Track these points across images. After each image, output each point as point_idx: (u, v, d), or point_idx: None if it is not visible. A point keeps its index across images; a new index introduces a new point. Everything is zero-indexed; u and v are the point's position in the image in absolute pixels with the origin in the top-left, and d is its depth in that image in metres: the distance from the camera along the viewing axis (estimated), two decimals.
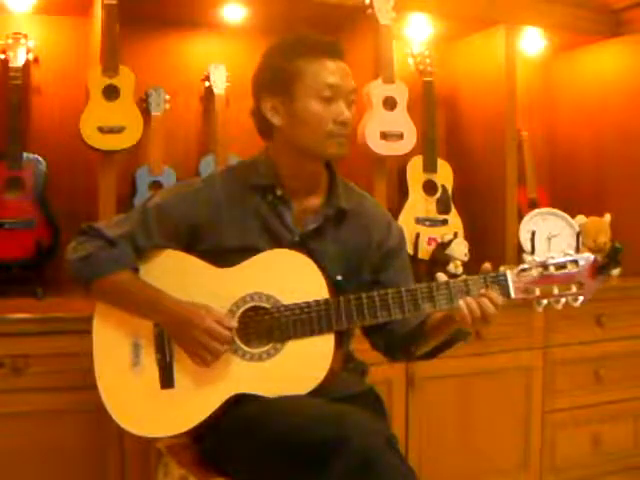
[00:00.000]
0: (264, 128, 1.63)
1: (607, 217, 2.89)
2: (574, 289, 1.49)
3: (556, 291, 1.49)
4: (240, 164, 1.71)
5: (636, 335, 2.77)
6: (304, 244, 1.60)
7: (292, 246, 1.58)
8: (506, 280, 1.50)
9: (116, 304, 1.59)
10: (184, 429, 1.53)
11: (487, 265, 1.52)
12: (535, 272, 1.49)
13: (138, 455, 2.01)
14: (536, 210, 2.90)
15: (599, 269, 1.49)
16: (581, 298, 1.50)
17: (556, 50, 3.22)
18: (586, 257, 1.50)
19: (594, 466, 2.71)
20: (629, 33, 2.98)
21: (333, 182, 1.66)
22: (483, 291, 1.48)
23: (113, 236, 1.59)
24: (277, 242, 1.59)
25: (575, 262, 1.49)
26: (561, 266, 1.49)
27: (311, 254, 1.57)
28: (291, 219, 1.61)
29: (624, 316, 2.73)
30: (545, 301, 1.50)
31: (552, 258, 1.50)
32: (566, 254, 1.50)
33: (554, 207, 2.94)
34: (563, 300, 1.50)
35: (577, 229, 2.84)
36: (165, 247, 1.60)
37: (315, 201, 1.64)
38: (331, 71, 1.55)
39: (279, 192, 1.60)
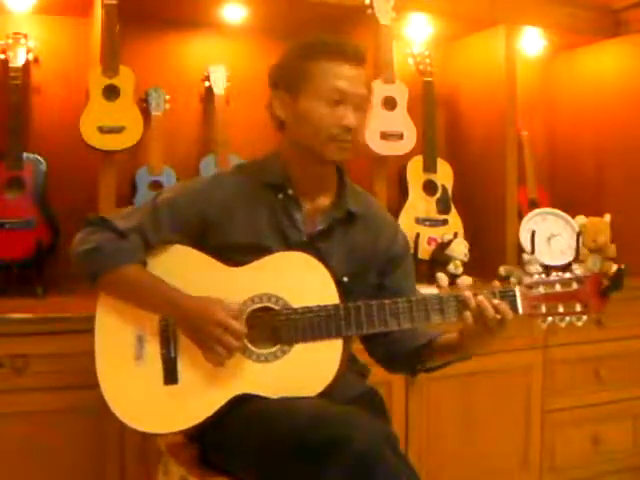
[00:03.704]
0: (275, 121, 1.62)
1: (607, 217, 2.88)
2: (578, 308, 1.50)
3: (561, 309, 1.51)
4: (251, 162, 1.70)
5: (636, 335, 2.77)
6: (312, 244, 1.59)
7: (300, 245, 1.57)
8: (514, 295, 1.50)
9: (125, 298, 1.57)
10: (186, 427, 1.52)
11: (497, 283, 1.52)
12: (542, 289, 1.50)
13: (138, 455, 2.00)
14: (536, 210, 2.90)
15: (603, 291, 1.50)
16: (584, 317, 1.51)
17: (556, 50, 3.22)
18: (591, 277, 1.51)
19: (594, 466, 2.71)
20: (629, 33, 2.99)
21: (342, 184, 1.65)
22: (495, 301, 1.47)
23: (123, 228, 1.56)
24: (285, 241, 1.58)
25: (580, 280, 1.50)
26: (566, 283, 1.50)
27: (318, 254, 1.56)
28: (301, 219, 1.60)
29: (624, 316, 2.72)
30: (550, 319, 1.51)
31: (557, 275, 1.51)
32: (571, 271, 1.52)
33: (554, 207, 2.93)
34: (567, 319, 1.51)
35: (577, 229, 2.84)
36: (174, 242, 1.58)
37: (324, 201, 1.63)
38: (344, 75, 1.53)
39: (290, 191, 1.60)
